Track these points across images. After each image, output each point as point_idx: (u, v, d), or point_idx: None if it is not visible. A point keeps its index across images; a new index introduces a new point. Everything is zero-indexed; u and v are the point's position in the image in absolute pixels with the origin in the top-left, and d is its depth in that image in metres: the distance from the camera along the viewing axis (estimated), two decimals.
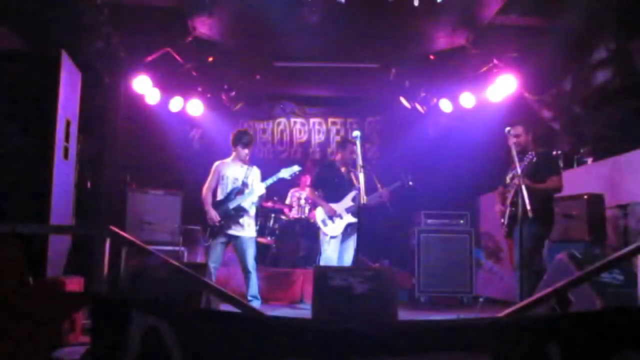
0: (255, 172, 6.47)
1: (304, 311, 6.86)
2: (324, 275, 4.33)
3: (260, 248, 8.85)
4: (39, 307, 3.24)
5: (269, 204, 9.02)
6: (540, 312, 3.67)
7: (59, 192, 4.51)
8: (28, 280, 3.47)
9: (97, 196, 7.54)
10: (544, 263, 5.60)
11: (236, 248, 6.24)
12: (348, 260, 6.78)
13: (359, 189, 6.44)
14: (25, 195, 4.26)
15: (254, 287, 6.19)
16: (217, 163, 6.49)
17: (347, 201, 6.84)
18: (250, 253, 6.24)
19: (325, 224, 6.84)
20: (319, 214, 6.92)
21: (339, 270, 4.94)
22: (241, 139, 6.47)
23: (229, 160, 6.51)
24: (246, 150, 6.45)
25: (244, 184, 6.34)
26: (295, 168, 6.52)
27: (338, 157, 7.11)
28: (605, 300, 3.88)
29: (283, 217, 9.01)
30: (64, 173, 4.68)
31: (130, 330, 2.67)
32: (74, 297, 3.72)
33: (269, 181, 6.43)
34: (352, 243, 6.82)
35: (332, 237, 6.81)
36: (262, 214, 9.04)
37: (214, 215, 6.18)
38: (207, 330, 2.71)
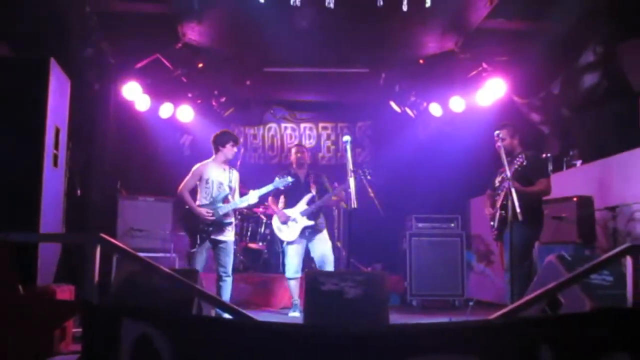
0: (235, 176, 6.37)
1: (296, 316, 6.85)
2: (315, 280, 4.33)
3: (252, 253, 8.87)
4: (30, 316, 3.22)
5: (260, 209, 9.02)
6: (531, 314, 3.69)
7: (49, 200, 4.49)
8: (18, 288, 3.45)
9: (87, 204, 7.51)
10: (535, 265, 5.63)
11: (220, 253, 6.08)
12: (325, 256, 6.81)
13: (328, 192, 6.80)
14: (15, 203, 4.24)
15: (229, 292, 6.14)
16: (198, 165, 6.24)
17: (302, 205, 6.88)
18: (232, 257, 6.22)
19: (280, 230, 6.93)
20: (275, 222, 7.02)
21: (330, 274, 4.94)
22: (230, 137, 6.33)
23: (210, 161, 6.28)
24: (235, 149, 6.36)
25: (231, 189, 6.25)
26: (289, 179, 6.51)
27: (293, 163, 7.14)
28: (594, 302, 3.90)
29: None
30: (53, 181, 4.66)
31: (121, 338, 2.67)
32: (65, 305, 3.71)
33: (264, 190, 6.35)
34: (320, 242, 6.87)
35: (288, 243, 6.90)
36: (253, 219, 9.04)
37: (206, 211, 5.99)
38: (199, 337, 2.70)
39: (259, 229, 8.99)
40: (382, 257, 9.02)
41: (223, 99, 9.60)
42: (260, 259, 8.80)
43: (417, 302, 7.94)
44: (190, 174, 6.22)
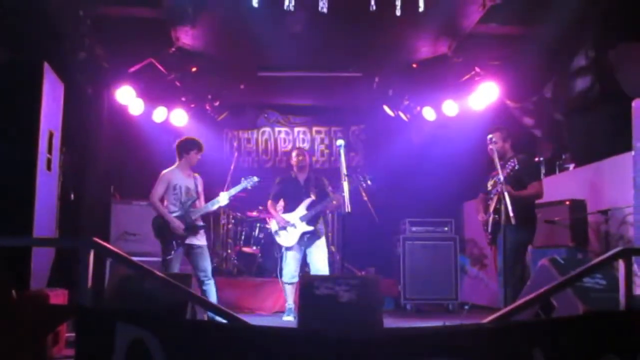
0: (200, 181, 6.42)
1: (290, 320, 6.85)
2: (309, 284, 4.33)
3: (246, 257, 8.85)
4: (23, 320, 3.21)
5: (254, 213, 9.02)
6: (524, 317, 3.70)
7: (42, 204, 4.48)
8: (11, 293, 3.44)
9: (80, 208, 7.49)
10: (528, 269, 5.65)
11: (197, 257, 6.11)
12: (319, 267, 6.73)
13: (326, 198, 6.71)
14: (8, 207, 4.23)
15: (215, 295, 6.15)
16: (165, 172, 6.27)
17: (301, 210, 6.82)
18: (209, 260, 6.24)
19: (278, 235, 6.87)
20: (273, 226, 6.96)
21: (324, 278, 4.95)
22: (194, 144, 6.35)
23: (174, 168, 6.33)
24: (199, 156, 6.37)
25: (198, 194, 6.29)
26: (255, 179, 6.56)
27: (293, 166, 7.09)
28: (587, 305, 3.91)
29: (268, 226, 8.99)
30: (46, 185, 4.65)
31: (115, 342, 2.67)
32: (58, 309, 3.69)
33: (232, 191, 6.42)
34: (318, 250, 6.80)
35: (287, 249, 6.84)
36: (247, 223, 9.04)
37: (178, 224, 6.04)
38: (193, 341, 2.70)
39: (253, 233, 8.99)
40: (376, 261, 9.02)
41: (217, 103, 9.60)
42: (254, 263, 8.78)
43: (411, 306, 7.95)
44: (158, 181, 6.23)
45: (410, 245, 8.05)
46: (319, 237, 6.84)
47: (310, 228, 6.76)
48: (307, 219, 6.77)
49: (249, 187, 6.60)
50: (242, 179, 6.57)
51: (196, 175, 6.42)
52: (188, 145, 6.35)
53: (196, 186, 6.31)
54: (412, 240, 8.08)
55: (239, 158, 10.00)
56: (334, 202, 6.79)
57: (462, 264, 8.38)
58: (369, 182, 6.76)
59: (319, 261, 6.77)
